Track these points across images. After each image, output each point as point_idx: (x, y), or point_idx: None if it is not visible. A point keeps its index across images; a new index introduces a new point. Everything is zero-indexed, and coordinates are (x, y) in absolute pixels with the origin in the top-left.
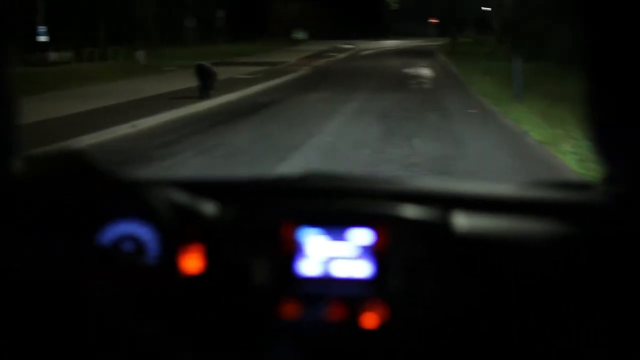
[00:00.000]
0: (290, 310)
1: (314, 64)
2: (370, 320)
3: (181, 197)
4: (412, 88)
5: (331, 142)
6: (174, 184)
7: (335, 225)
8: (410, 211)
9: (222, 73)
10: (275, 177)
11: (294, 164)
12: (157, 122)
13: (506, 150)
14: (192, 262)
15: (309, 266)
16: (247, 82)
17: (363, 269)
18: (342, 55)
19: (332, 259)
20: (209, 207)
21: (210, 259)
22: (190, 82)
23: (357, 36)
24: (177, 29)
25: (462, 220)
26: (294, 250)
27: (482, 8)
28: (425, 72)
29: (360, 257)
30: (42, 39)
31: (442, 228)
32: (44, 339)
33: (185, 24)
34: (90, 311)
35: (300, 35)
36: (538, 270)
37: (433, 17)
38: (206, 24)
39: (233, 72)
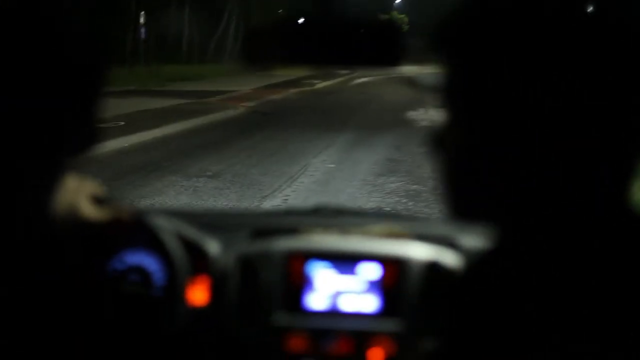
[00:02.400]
0: (298, 344)
1: (271, 96)
2: (376, 355)
3: (189, 229)
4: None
5: None
6: (182, 215)
7: (344, 260)
8: (417, 250)
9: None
10: (285, 209)
11: None
12: None
13: None
14: (198, 294)
15: (317, 300)
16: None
17: (371, 304)
18: (324, 84)
19: (340, 293)
20: (217, 239)
21: (216, 291)
22: None
23: (366, 64)
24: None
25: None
26: (302, 284)
27: None
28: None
29: (368, 291)
30: None
31: (443, 266)
32: None
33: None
34: (96, 340)
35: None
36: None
37: None
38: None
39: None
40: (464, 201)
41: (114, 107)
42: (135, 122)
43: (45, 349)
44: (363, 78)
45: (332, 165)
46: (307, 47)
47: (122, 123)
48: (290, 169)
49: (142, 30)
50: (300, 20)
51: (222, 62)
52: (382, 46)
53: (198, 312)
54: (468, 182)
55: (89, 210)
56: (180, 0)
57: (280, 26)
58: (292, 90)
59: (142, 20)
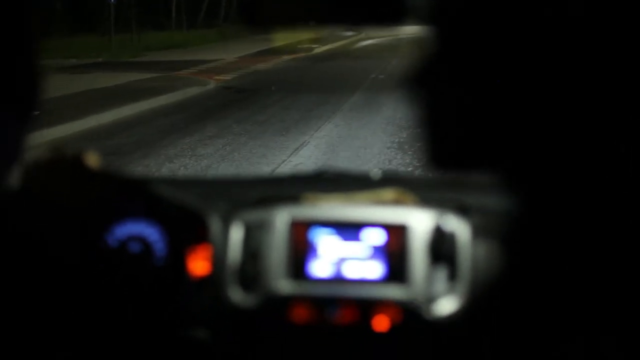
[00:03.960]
0: (302, 312)
1: (257, 65)
2: (382, 322)
3: (189, 197)
4: None
5: None
6: (182, 183)
7: (348, 227)
8: (421, 215)
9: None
10: (289, 175)
11: None
12: None
13: None
14: (199, 263)
15: (321, 267)
16: None
17: (375, 271)
18: (323, 49)
19: (344, 260)
20: (218, 208)
21: (218, 260)
22: None
23: (372, 23)
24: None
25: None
26: (305, 252)
27: None
28: None
29: (372, 258)
30: None
31: (446, 232)
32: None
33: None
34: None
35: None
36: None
37: None
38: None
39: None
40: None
41: (55, 87)
42: (61, 110)
43: (46, 320)
44: (368, 40)
45: None
46: (309, 4)
47: (36, 112)
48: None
49: None
50: None
51: (216, 27)
52: (387, 5)
53: (200, 282)
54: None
55: (86, 180)
56: None
57: None
58: (285, 57)
59: None
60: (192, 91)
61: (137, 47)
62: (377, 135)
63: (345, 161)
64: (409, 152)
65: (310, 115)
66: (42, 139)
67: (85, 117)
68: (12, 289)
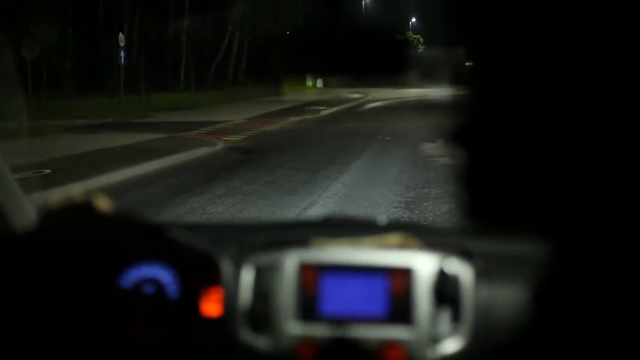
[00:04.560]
0: (310, 353)
1: (265, 127)
2: None
3: (201, 241)
4: None
5: None
6: (193, 227)
7: (355, 270)
8: (426, 259)
9: None
10: (296, 221)
11: None
12: None
13: None
14: (211, 305)
15: (328, 309)
16: None
17: (381, 312)
18: (330, 111)
19: (351, 301)
20: (229, 251)
21: (229, 302)
22: None
23: (379, 82)
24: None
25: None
26: (314, 293)
27: None
28: None
29: (378, 299)
30: None
31: (449, 275)
32: None
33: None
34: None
35: (312, 82)
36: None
37: (469, 60)
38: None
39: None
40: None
41: (65, 146)
42: (69, 169)
43: None
44: (375, 102)
45: None
46: (318, 64)
47: (48, 171)
48: None
49: (122, 55)
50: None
51: (224, 89)
52: (395, 66)
53: (212, 322)
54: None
55: (100, 223)
56: (178, 22)
57: (289, 40)
58: (293, 119)
59: (121, 43)
60: (201, 152)
61: (145, 108)
62: (384, 194)
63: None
64: (416, 211)
65: (318, 176)
66: (52, 197)
67: (95, 176)
68: (28, 331)
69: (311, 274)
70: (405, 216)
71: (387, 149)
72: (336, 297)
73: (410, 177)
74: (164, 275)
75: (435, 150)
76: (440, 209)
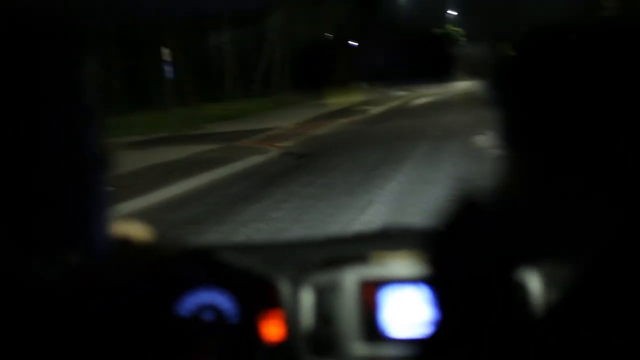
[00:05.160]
0: None
1: (314, 131)
2: None
3: (256, 262)
4: None
5: None
6: (247, 248)
7: (417, 285)
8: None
9: None
10: (353, 234)
11: None
12: None
13: None
14: (272, 329)
15: (393, 327)
16: None
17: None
18: (378, 110)
19: (416, 317)
20: (286, 272)
21: (291, 325)
22: None
23: (423, 80)
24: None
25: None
26: (377, 312)
27: None
28: None
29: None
30: None
31: (523, 287)
32: None
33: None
34: None
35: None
36: None
37: (513, 52)
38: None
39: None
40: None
41: (125, 162)
42: (129, 186)
43: None
44: (421, 98)
45: None
46: (360, 67)
47: (111, 188)
48: None
49: (168, 68)
50: (353, 41)
51: (270, 95)
52: (438, 61)
53: (274, 348)
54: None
55: (153, 253)
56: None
57: (330, 46)
58: (341, 121)
59: (166, 57)
60: (255, 159)
61: (196, 120)
62: (440, 190)
63: (413, 215)
64: None
65: (373, 175)
66: (119, 213)
67: (157, 190)
68: None
69: (372, 290)
70: None
71: (439, 144)
72: (399, 313)
73: (463, 170)
74: (222, 300)
75: (486, 143)
76: None
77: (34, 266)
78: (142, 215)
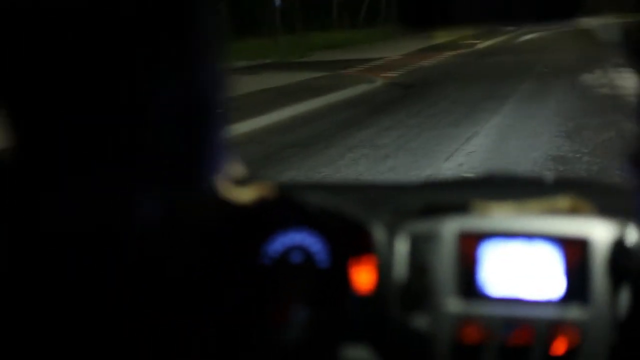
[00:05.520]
0: (472, 334)
1: (421, 62)
2: (560, 346)
3: (350, 205)
4: None
5: None
6: (342, 188)
7: (522, 240)
8: (603, 228)
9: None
10: (455, 179)
11: None
12: None
13: None
14: (364, 276)
15: (492, 285)
16: None
17: (552, 289)
18: (485, 44)
19: (517, 276)
20: (381, 216)
21: (383, 274)
22: None
23: (541, 17)
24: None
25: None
26: (476, 267)
27: None
28: None
29: (548, 274)
30: None
31: (630, 247)
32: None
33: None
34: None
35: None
36: None
37: None
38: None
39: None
40: None
41: (233, 87)
42: (239, 108)
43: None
44: (530, 34)
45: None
46: (469, 3)
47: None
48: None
49: None
50: None
51: (376, 26)
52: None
53: (364, 296)
54: None
55: (241, 193)
56: None
57: None
58: (448, 54)
59: None
60: (361, 88)
61: (302, 48)
62: (544, 125)
63: (516, 149)
64: (577, 140)
65: (478, 108)
66: (230, 134)
67: (265, 113)
68: (174, 301)
69: (472, 244)
70: (566, 145)
71: (545, 81)
72: (500, 270)
73: (569, 107)
74: (312, 242)
75: (594, 81)
76: (601, 137)
77: (145, 202)
78: (254, 136)
